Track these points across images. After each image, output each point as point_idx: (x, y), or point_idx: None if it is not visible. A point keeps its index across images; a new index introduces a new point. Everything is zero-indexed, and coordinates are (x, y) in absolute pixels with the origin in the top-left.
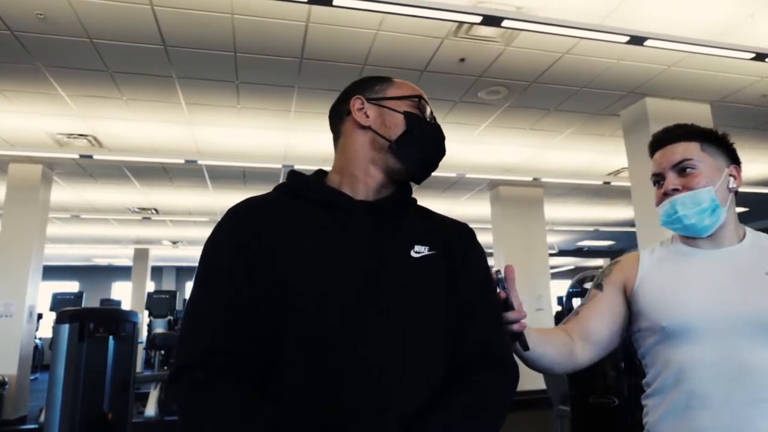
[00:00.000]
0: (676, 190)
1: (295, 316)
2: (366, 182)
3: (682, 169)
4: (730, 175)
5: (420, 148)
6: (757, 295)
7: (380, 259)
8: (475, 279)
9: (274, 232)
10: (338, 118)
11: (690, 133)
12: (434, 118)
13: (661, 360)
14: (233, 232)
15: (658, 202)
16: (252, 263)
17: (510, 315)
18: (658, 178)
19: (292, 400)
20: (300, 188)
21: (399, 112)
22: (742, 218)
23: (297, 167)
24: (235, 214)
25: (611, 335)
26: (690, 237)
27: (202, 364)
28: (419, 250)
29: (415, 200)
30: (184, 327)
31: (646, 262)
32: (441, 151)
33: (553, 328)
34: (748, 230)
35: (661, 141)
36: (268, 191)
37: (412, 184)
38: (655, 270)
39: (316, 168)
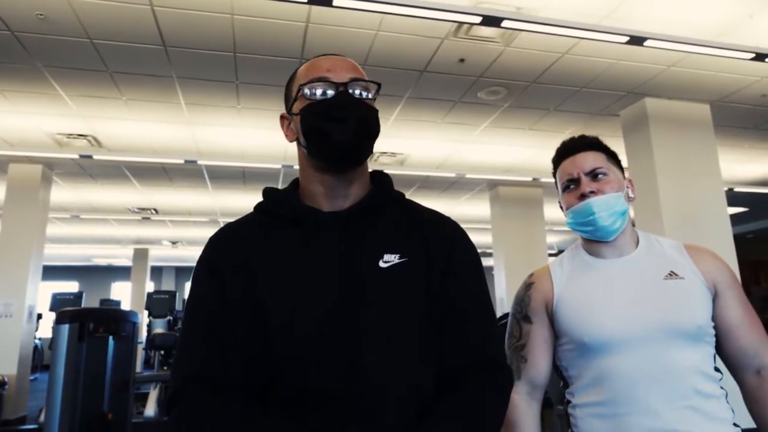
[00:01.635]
0: (593, 192)
1: (273, 339)
2: (319, 191)
3: (594, 175)
4: (628, 186)
5: (320, 139)
6: (661, 303)
7: (350, 271)
8: (465, 280)
9: (249, 255)
10: None
11: (597, 145)
12: (341, 86)
13: (584, 371)
14: (211, 261)
15: (569, 206)
16: (231, 286)
17: None
18: (572, 183)
19: (281, 413)
20: (273, 206)
21: (297, 114)
22: (742, 218)
23: (297, 167)
24: (213, 243)
25: (550, 365)
26: (594, 242)
27: (190, 391)
28: (388, 259)
29: (400, 195)
30: (175, 356)
31: (559, 280)
32: (340, 127)
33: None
34: (640, 234)
35: (570, 149)
36: (249, 212)
37: (406, 182)
38: (569, 288)
39: None
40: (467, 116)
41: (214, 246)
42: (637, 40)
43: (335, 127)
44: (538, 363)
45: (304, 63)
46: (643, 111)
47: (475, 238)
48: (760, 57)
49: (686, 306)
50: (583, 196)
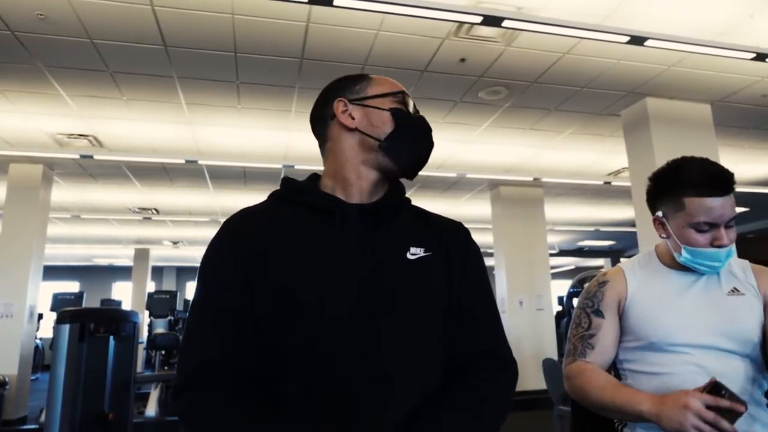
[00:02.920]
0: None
1: (295, 323)
2: (359, 185)
3: (729, 225)
4: None
5: (410, 144)
6: (724, 316)
7: (377, 263)
8: (475, 280)
9: (270, 241)
10: (322, 122)
11: (733, 186)
12: (417, 111)
13: (647, 365)
14: (229, 245)
15: (693, 245)
16: (250, 274)
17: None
18: (708, 226)
19: (295, 405)
20: (294, 195)
21: (384, 109)
22: (742, 218)
23: (297, 167)
24: (230, 226)
25: (614, 355)
26: (675, 260)
27: (200, 381)
28: (415, 252)
29: (408, 200)
30: (183, 345)
31: (633, 283)
32: (430, 144)
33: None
34: None
35: (718, 188)
36: (263, 199)
37: (407, 181)
38: (642, 291)
39: (316, 168)
40: (468, 116)
41: (231, 229)
42: (637, 40)
43: (424, 143)
44: (605, 352)
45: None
46: (644, 111)
47: (476, 238)
48: (760, 57)
49: (744, 320)
50: (719, 246)
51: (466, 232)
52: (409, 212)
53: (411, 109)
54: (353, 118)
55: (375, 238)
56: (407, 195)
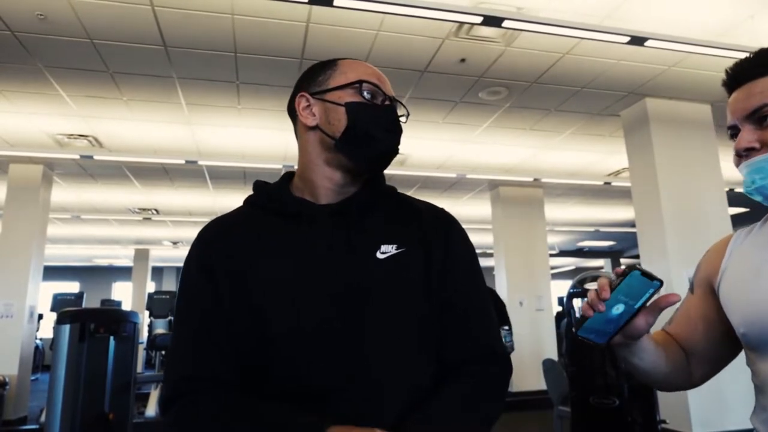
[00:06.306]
0: (751, 150)
1: (272, 334)
2: (325, 185)
3: (762, 117)
4: None
5: (365, 141)
6: None
7: (346, 265)
8: (462, 271)
9: (242, 250)
10: (293, 118)
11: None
12: (389, 98)
13: (753, 371)
14: (202, 258)
15: (736, 164)
16: (224, 285)
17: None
18: (734, 131)
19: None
20: (264, 201)
21: (340, 104)
22: (743, 219)
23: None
24: (202, 238)
25: (715, 347)
26: None
27: (184, 392)
28: (385, 250)
29: (392, 189)
30: (166, 358)
31: (733, 247)
32: (391, 137)
33: (663, 335)
34: None
35: (736, 77)
36: (239, 205)
37: (406, 181)
38: (739, 258)
39: None
40: (468, 116)
41: (204, 242)
42: (637, 41)
43: (386, 137)
44: (684, 323)
45: (305, 63)
46: (644, 111)
47: (476, 238)
48: None
49: None
50: (738, 156)
51: (449, 220)
52: (388, 206)
53: (376, 96)
54: (314, 115)
55: (344, 240)
56: (408, 194)
